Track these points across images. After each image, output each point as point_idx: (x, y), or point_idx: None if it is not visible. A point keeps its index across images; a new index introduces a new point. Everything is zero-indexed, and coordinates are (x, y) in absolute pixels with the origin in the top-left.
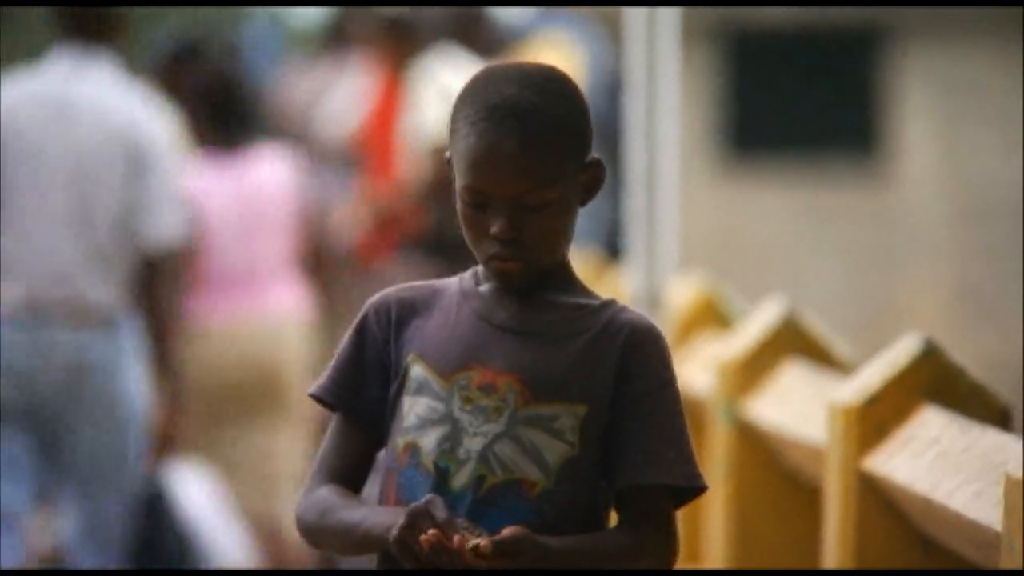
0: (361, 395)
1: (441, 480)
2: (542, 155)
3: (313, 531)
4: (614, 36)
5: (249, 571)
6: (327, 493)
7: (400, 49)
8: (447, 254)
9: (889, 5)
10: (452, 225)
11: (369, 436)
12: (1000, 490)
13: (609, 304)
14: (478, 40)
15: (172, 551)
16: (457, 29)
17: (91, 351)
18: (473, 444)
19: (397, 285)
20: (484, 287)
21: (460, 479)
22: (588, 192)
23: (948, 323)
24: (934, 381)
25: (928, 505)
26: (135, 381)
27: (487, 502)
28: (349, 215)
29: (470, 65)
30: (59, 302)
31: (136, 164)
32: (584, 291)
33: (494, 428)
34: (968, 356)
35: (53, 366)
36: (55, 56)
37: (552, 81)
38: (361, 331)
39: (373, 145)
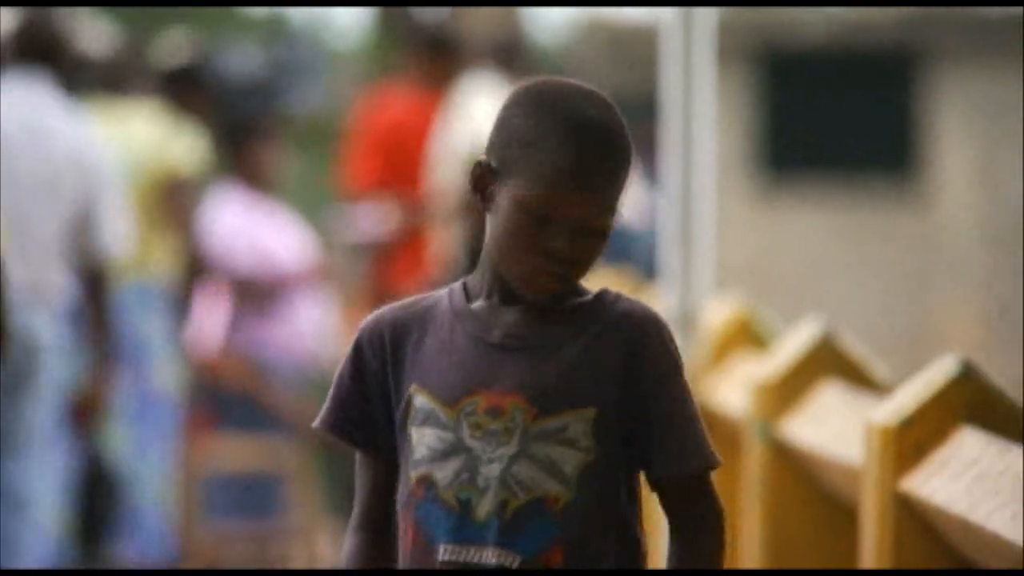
0: (370, 425)
1: (464, 512)
2: (618, 177)
3: None
4: (650, 56)
5: (254, 571)
6: (350, 549)
7: (442, 65)
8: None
9: (923, 5)
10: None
11: (389, 459)
12: None
13: (602, 297)
14: (515, 65)
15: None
16: (497, 52)
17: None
18: (491, 471)
19: (387, 305)
20: (477, 304)
21: (484, 508)
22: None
23: (984, 344)
24: (972, 402)
25: (965, 526)
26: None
27: (513, 526)
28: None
29: (507, 88)
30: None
31: (84, 184)
32: (577, 289)
33: (508, 451)
34: (1004, 377)
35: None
36: (5, 79)
37: (613, 105)
38: (357, 360)
39: (405, 161)
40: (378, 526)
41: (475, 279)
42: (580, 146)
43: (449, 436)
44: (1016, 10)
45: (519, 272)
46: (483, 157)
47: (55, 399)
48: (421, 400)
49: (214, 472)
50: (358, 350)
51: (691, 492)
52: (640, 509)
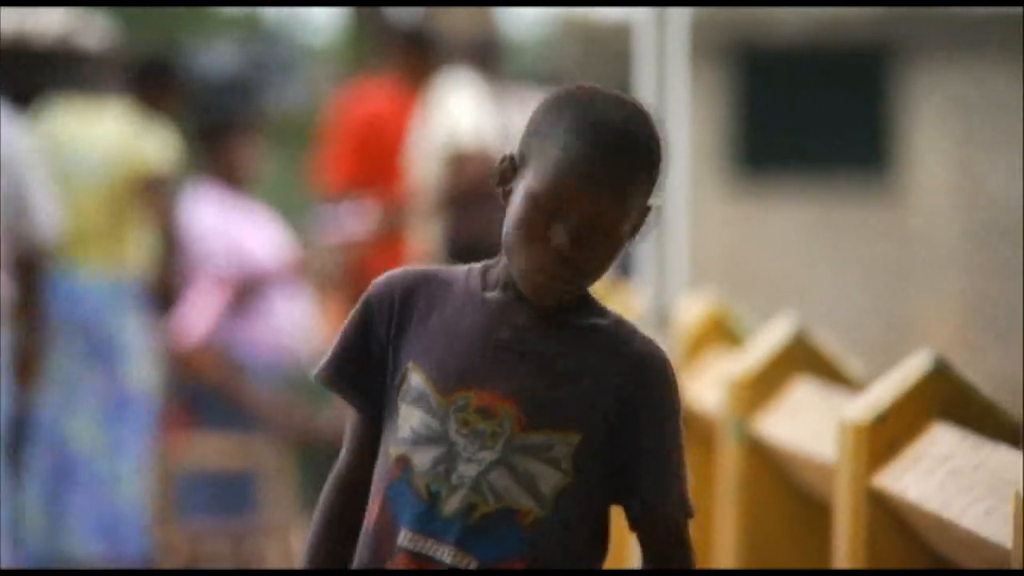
0: (367, 384)
1: (432, 503)
2: (632, 183)
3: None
4: (624, 53)
5: (246, 571)
6: (324, 508)
7: (418, 63)
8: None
9: (896, 5)
10: (466, 234)
11: (379, 422)
12: (1011, 508)
13: (620, 325)
14: (492, 63)
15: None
16: (473, 50)
17: None
18: (467, 470)
19: (403, 268)
20: (491, 294)
21: (451, 505)
22: (634, 233)
23: (959, 340)
24: (945, 399)
25: (939, 523)
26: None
27: (478, 531)
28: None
29: (486, 87)
30: None
31: (11, 173)
32: (596, 308)
33: (489, 455)
34: (979, 373)
35: None
36: None
37: (643, 113)
38: (364, 317)
39: (382, 158)
40: (356, 488)
41: (494, 267)
42: (593, 143)
43: (435, 424)
44: (993, 7)
45: (521, 267)
46: (510, 151)
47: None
48: (416, 379)
49: (190, 470)
50: (367, 307)
51: (668, 538)
52: (606, 544)
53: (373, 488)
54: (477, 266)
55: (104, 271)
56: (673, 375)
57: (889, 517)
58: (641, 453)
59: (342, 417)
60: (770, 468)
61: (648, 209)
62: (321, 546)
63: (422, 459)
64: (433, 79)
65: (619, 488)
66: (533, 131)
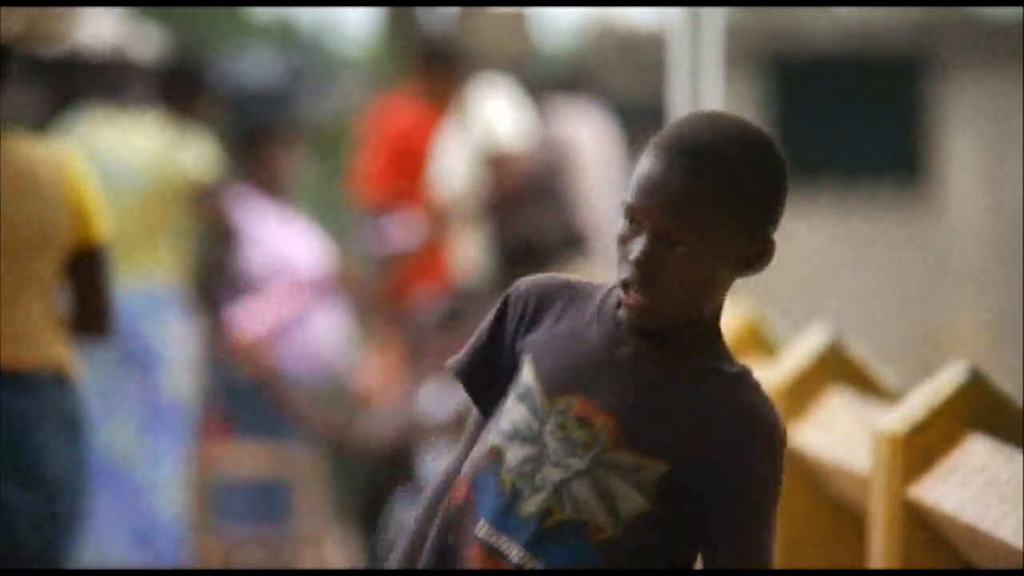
0: (491, 385)
1: (512, 500)
2: (699, 196)
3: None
4: (659, 62)
5: (252, 571)
6: (433, 491)
7: (442, 79)
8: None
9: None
10: (514, 236)
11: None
12: None
13: (741, 377)
14: (524, 70)
15: None
16: (506, 57)
17: None
18: (552, 474)
19: (549, 274)
20: (623, 312)
21: (530, 506)
22: (747, 266)
23: (992, 350)
24: (980, 409)
25: (973, 534)
26: None
27: (549, 537)
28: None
29: (517, 92)
30: None
31: None
32: (725, 356)
33: (577, 463)
34: (1013, 384)
35: None
36: None
37: (752, 141)
38: (500, 318)
39: (414, 172)
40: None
41: None
42: (664, 154)
43: (534, 423)
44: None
45: (618, 281)
46: None
47: None
48: (528, 375)
49: (225, 478)
50: (503, 308)
51: None
52: None
53: (466, 466)
54: (619, 285)
55: (140, 280)
56: (779, 441)
57: (924, 528)
58: (726, 507)
59: (376, 425)
60: (804, 479)
61: (760, 239)
62: (416, 538)
63: (514, 454)
64: (459, 93)
65: (699, 535)
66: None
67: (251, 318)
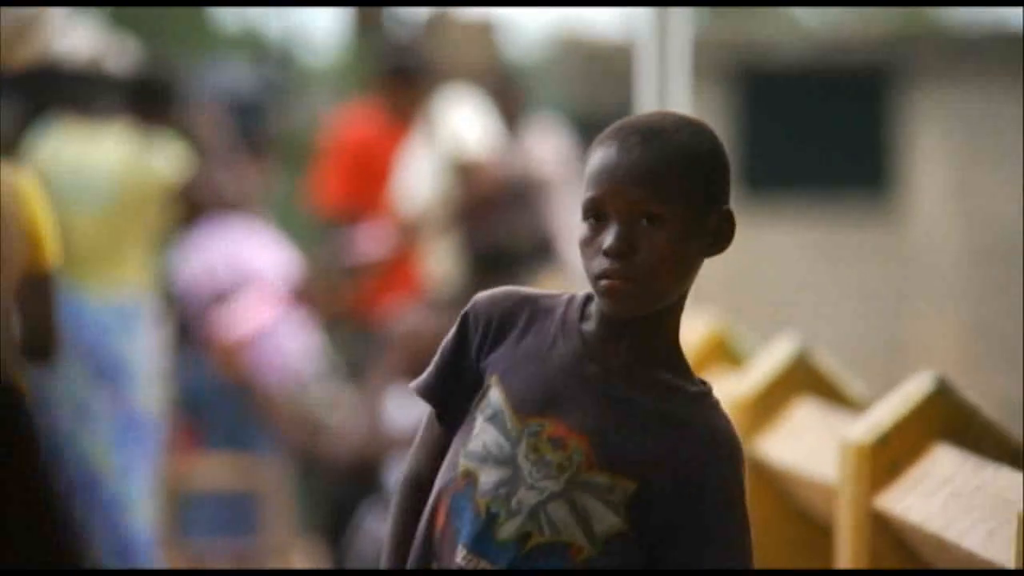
0: (454, 398)
1: (488, 524)
2: (661, 167)
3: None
4: (626, 74)
5: (248, 571)
6: (400, 502)
7: (406, 93)
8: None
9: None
10: (484, 244)
11: (454, 430)
12: (1013, 529)
13: (702, 396)
14: (491, 81)
15: None
16: (473, 68)
17: None
18: (528, 497)
19: (507, 289)
20: (587, 325)
21: (507, 530)
22: (714, 241)
23: (960, 361)
24: (947, 420)
25: (941, 544)
26: None
27: (531, 560)
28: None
29: (483, 102)
30: None
31: None
32: (686, 373)
33: (552, 486)
34: (981, 394)
35: None
36: None
37: (693, 122)
38: (462, 333)
39: (374, 182)
40: (423, 486)
41: (594, 299)
42: (615, 142)
43: (506, 446)
44: (992, 27)
45: (592, 283)
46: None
47: None
48: (496, 396)
49: (193, 490)
50: (464, 324)
51: None
52: None
53: (438, 488)
54: (579, 296)
55: (110, 292)
56: (741, 460)
57: (891, 538)
58: (698, 525)
59: (342, 436)
60: (772, 489)
61: (718, 210)
62: (401, 546)
63: (487, 478)
64: (425, 104)
65: (673, 554)
66: (586, 161)
67: (226, 324)
